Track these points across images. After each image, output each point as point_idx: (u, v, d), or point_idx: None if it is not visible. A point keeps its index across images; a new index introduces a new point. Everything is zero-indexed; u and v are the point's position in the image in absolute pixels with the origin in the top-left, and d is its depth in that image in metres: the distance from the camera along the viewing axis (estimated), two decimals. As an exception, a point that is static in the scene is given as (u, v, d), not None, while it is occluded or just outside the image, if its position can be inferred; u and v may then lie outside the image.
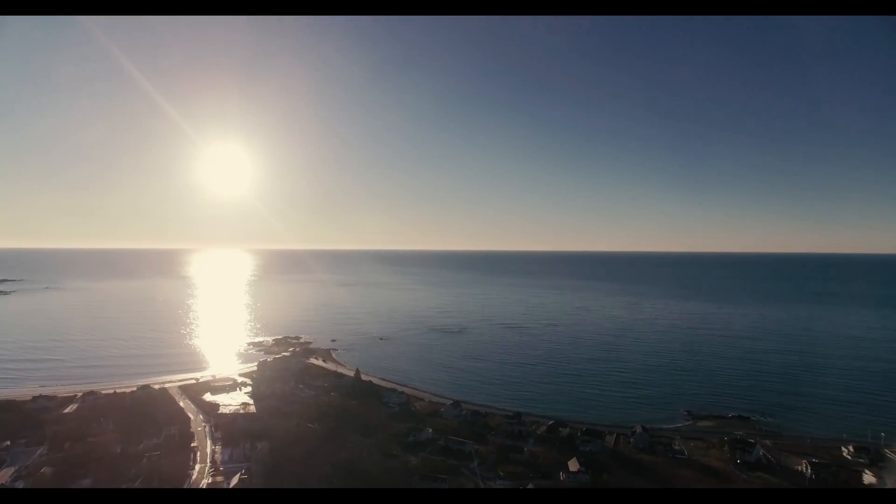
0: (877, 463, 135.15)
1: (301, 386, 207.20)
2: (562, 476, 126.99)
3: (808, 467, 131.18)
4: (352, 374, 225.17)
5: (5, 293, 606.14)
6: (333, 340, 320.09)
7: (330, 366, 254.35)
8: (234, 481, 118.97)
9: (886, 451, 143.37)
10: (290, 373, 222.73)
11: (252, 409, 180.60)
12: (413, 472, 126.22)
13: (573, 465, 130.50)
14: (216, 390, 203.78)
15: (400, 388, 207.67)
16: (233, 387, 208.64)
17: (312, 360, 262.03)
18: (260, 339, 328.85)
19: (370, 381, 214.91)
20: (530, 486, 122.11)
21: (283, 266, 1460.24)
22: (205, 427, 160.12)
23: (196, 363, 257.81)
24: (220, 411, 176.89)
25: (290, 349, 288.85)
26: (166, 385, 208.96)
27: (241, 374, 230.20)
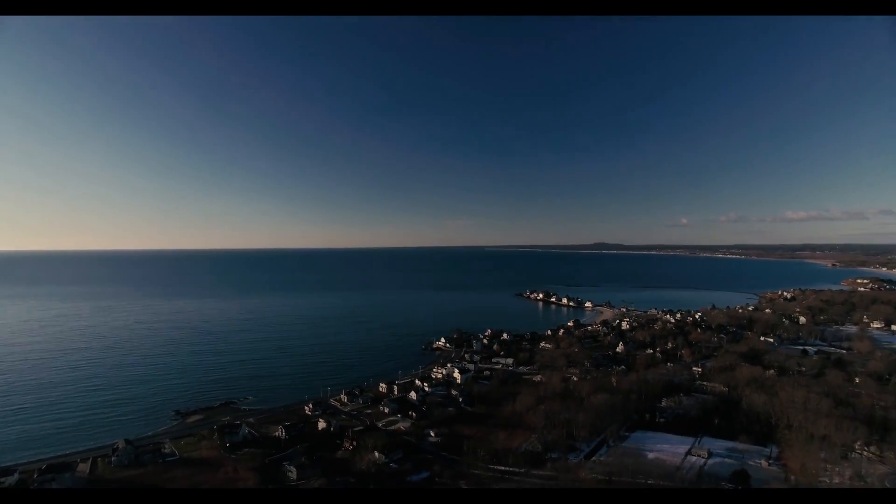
0: (326, 412, 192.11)
1: None
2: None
3: (283, 431, 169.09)
4: None
5: None
6: None
7: None
8: None
9: (331, 400, 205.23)
10: None
11: None
12: None
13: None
14: None
15: None
16: None
17: None
18: None
19: None
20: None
21: None
22: None
23: None
24: None
25: None
26: None
27: None
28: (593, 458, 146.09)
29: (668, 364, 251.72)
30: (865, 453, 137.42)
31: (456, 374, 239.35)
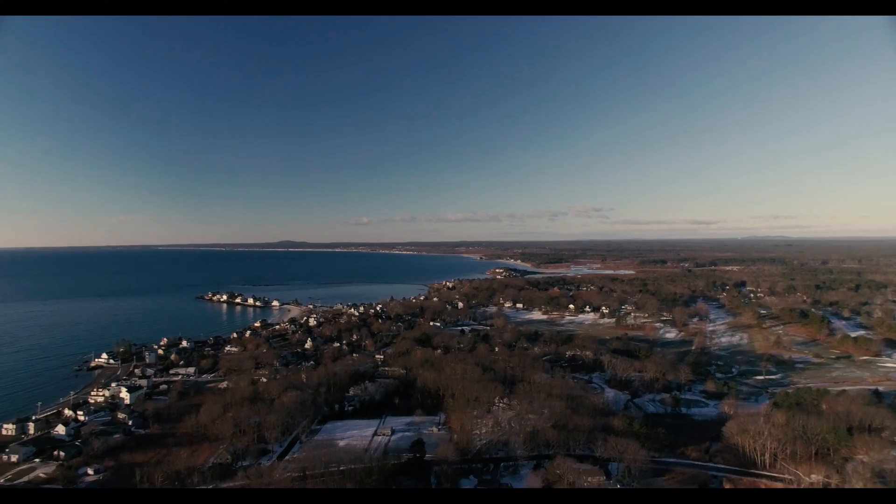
0: None
1: None
2: None
3: None
4: None
5: None
6: None
7: None
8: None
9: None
10: None
11: None
12: None
13: None
14: None
15: None
16: None
17: None
18: None
19: None
20: None
21: None
22: None
23: None
24: None
25: None
26: None
27: None
28: (287, 457, 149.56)
29: (354, 355, 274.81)
30: (501, 405, 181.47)
31: (123, 393, 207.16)
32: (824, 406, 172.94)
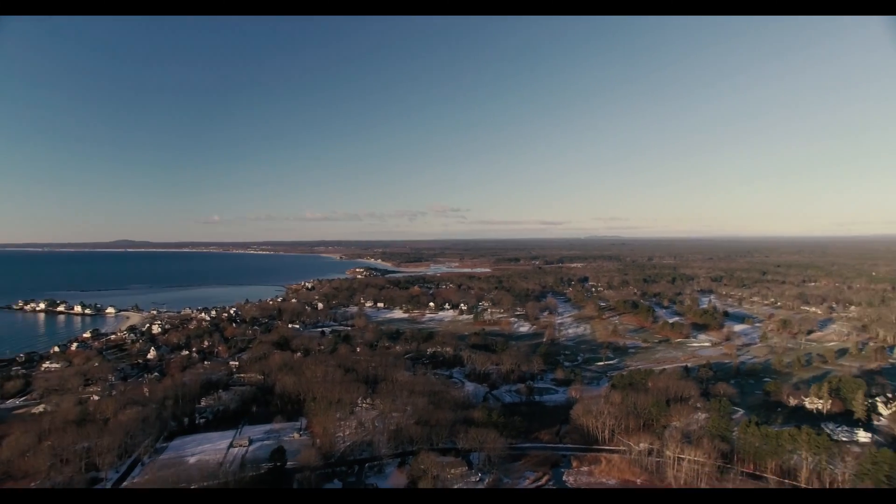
0: None
1: None
2: None
3: None
4: None
5: None
6: None
7: None
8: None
9: None
10: None
11: None
12: None
13: None
14: None
15: None
16: None
17: None
18: None
19: None
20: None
21: None
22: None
23: None
24: None
25: None
26: None
27: None
28: (124, 484, 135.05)
29: (206, 362, 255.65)
30: (364, 405, 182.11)
31: None
32: (650, 384, 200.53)
